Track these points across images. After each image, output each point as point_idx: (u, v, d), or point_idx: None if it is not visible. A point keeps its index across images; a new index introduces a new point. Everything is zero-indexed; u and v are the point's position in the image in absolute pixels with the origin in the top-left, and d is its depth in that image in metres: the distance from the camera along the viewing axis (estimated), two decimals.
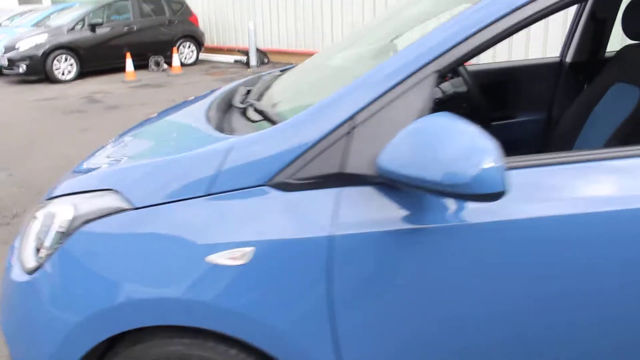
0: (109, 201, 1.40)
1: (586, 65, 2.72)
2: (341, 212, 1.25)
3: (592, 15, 2.62)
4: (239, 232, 1.28)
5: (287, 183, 1.28)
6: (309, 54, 9.88)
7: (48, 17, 12.22)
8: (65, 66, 10.76)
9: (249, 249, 1.27)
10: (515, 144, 2.83)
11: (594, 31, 2.65)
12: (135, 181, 1.40)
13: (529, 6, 1.25)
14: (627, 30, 2.17)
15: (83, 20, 11.12)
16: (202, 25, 13.28)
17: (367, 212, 1.25)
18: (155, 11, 12.10)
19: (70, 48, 10.77)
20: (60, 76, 10.68)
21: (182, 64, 11.85)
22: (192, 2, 13.23)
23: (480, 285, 1.26)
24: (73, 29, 11.00)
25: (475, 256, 1.24)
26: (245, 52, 11.63)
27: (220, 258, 1.28)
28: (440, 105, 2.32)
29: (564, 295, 1.26)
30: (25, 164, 5.25)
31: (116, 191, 1.40)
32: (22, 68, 10.55)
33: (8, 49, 10.77)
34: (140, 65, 11.34)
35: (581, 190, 1.26)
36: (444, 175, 1.09)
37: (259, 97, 1.81)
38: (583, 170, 1.28)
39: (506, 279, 1.26)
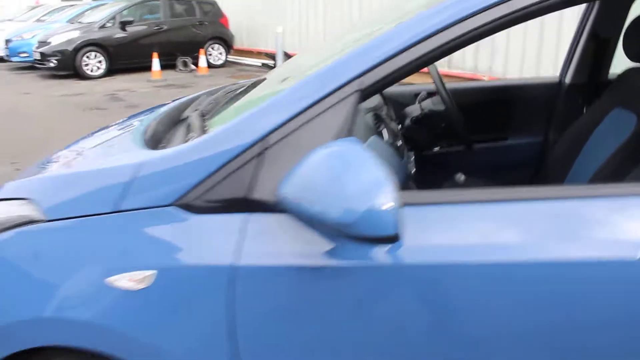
0: (26, 211, 1.34)
1: (586, 87, 2.55)
2: (246, 240, 1.16)
3: (593, 34, 2.46)
4: (141, 254, 1.21)
5: (195, 205, 1.19)
6: None
7: (82, 13, 12.48)
8: (94, 63, 10.94)
9: (150, 273, 1.19)
10: (508, 168, 2.68)
11: (595, 51, 2.49)
12: (49, 192, 1.35)
13: (462, 23, 1.13)
14: (628, 51, 2.02)
15: (114, 18, 11.31)
16: (233, 27, 13.34)
17: (272, 243, 1.15)
18: (186, 11, 12.21)
19: (100, 45, 10.95)
20: (89, 72, 10.87)
21: (210, 66, 11.91)
22: (224, 4, 13.30)
23: (381, 328, 1.16)
24: (104, 26, 11.19)
25: (384, 299, 1.13)
26: (273, 56, 11.62)
27: (121, 280, 1.21)
28: (417, 123, 2.21)
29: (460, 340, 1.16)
30: (34, 158, 5.29)
31: (32, 201, 1.34)
32: (53, 62, 10.78)
33: (41, 44, 11.03)
34: (168, 65, 11.43)
35: (481, 235, 1.14)
36: (335, 212, 0.99)
37: (213, 109, 1.72)
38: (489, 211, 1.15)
39: (403, 322, 1.15)
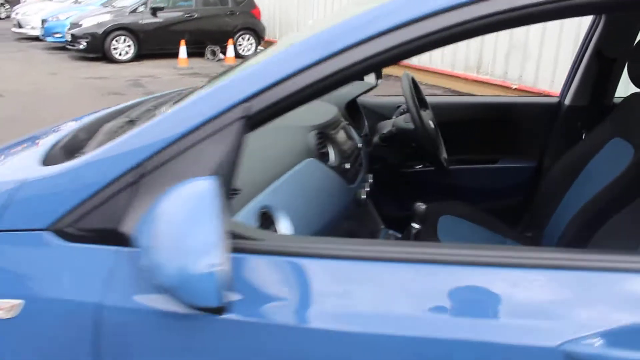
0: None
1: (587, 110, 2.34)
2: (115, 276, 1.03)
3: (597, 53, 2.24)
4: (10, 281, 1.09)
5: (68, 232, 1.07)
6: None
7: None
8: (123, 47, 11.01)
9: (18, 302, 1.07)
10: (495, 193, 2.48)
11: (599, 72, 2.27)
12: None
13: (361, 47, 0.96)
14: (632, 74, 1.81)
15: (146, 3, 11.34)
16: (265, 18, 13.25)
17: (139, 283, 1.02)
18: (219, 0, 12.18)
19: (129, 29, 11.00)
20: (117, 56, 10.94)
21: (239, 56, 11.83)
22: None
23: None
24: (135, 11, 11.23)
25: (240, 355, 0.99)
26: None
27: None
28: (386, 141, 2.04)
29: None
30: None
31: None
32: (83, 45, 10.89)
33: (73, 26, 11.17)
34: (197, 52, 11.42)
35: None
36: (166, 270, 0.85)
37: (142, 117, 1.59)
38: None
39: None
